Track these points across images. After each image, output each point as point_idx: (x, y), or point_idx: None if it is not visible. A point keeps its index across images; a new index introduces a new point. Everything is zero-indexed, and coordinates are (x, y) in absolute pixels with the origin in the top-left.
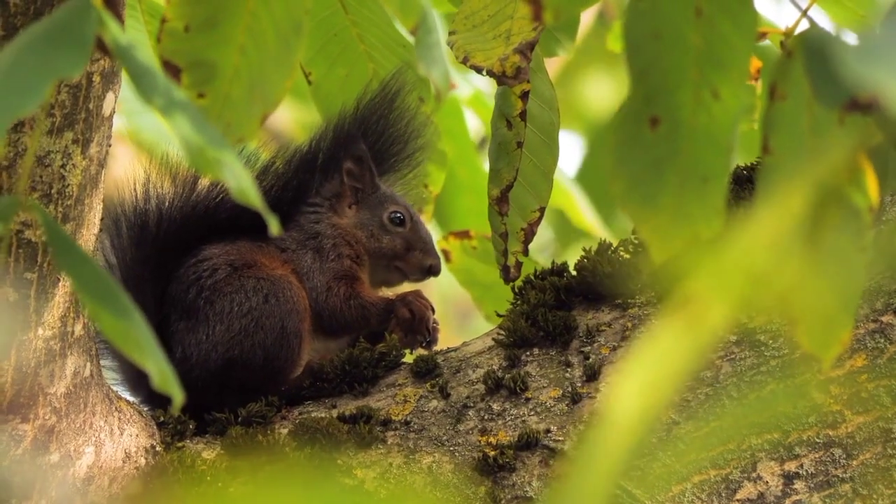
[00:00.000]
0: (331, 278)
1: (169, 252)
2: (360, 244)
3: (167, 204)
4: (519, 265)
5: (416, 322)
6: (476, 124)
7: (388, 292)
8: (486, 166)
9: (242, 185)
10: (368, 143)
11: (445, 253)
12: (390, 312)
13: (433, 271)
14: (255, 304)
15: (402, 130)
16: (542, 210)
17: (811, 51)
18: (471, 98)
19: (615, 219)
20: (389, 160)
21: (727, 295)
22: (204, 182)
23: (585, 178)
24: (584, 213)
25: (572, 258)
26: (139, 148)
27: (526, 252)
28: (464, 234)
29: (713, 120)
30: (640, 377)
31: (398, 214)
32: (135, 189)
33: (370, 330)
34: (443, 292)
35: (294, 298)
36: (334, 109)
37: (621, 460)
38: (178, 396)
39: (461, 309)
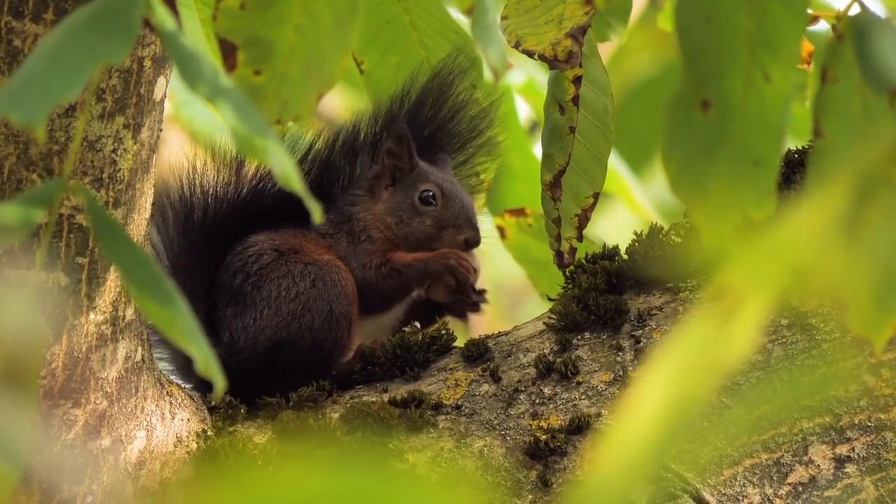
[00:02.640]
0: (364, 255)
1: (215, 240)
2: (390, 229)
3: (212, 192)
4: (573, 251)
5: (460, 283)
6: (526, 111)
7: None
8: (538, 153)
9: (287, 171)
10: (425, 129)
11: (501, 230)
12: (428, 273)
13: (470, 244)
14: (302, 288)
15: (460, 115)
16: (596, 196)
17: (861, 35)
18: (523, 85)
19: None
20: (448, 145)
21: (766, 286)
22: (248, 170)
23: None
24: (638, 198)
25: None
26: (193, 139)
27: (580, 238)
28: (519, 212)
29: (764, 103)
30: (674, 367)
31: (429, 193)
32: (180, 178)
33: (415, 293)
34: (495, 278)
35: (342, 282)
36: (386, 98)
37: (654, 449)
38: (219, 382)
39: (513, 295)
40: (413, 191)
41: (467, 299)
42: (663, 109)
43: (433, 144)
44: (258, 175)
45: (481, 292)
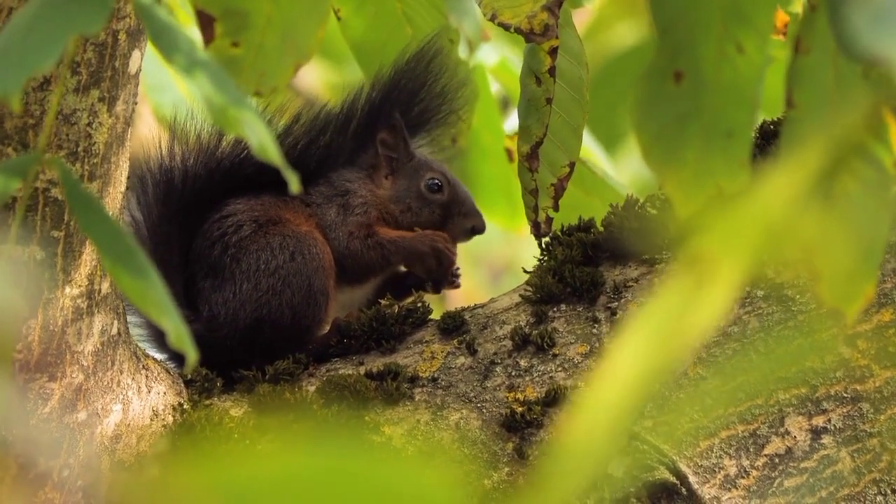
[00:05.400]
0: (353, 225)
1: (195, 208)
2: (392, 216)
3: (192, 160)
4: (549, 221)
5: (442, 266)
6: (496, 88)
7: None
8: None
9: (263, 142)
10: (405, 105)
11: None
12: (414, 253)
13: (476, 231)
14: (281, 262)
15: (440, 91)
16: (572, 165)
17: (834, 4)
18: (496, 65)
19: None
20: (427, 122)
21: (739, 252)
22: (228, 138)
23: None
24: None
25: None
26: (160, 123)
27: (556, 207)
28: None
29: (737, 74)
30: (647, 333)
31: (436, 181)
32: (160, 146)
33: (393, 270)
34: (475, 252)
35: (320, 255)
36: (364, 47)
37: (625, 415)
38: (192, 355)
39: (493, 269)
40: (417, 179)
41: (445, 280)
42: (636, 81)
43: (418, 120)
44: (238, 142)
45: (457, 271)
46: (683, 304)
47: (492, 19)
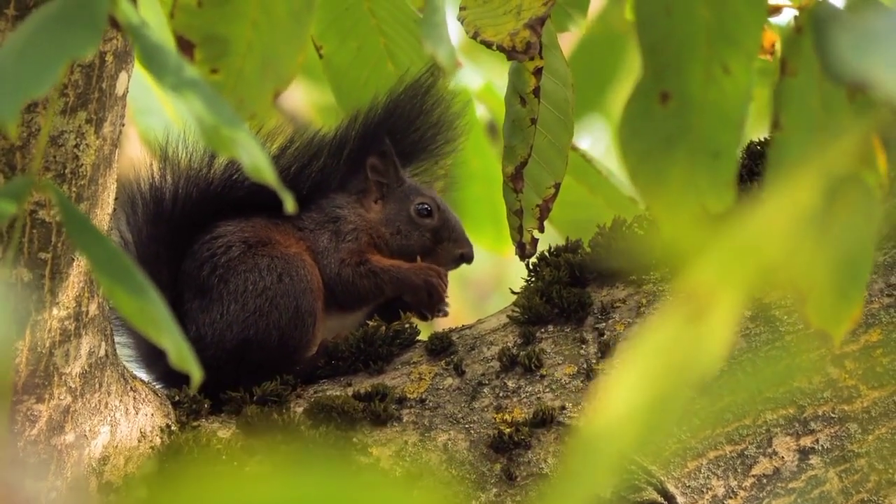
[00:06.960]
0: (345, 252)
1: (184, 229)
2: (383, 239)
3: (183, 181)
4: (535, 242)
5: (433, 301)
6: (481, 112)
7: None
8: (496, 154)
9: (257, 162)
10: (401, 133)
11: None
12: (406, 283)
13: (465, 259)
14: (269, 283)
15: (436, 121)
16: (557, 186)
17: (820, 26)
18: (481, 89)
19: None
20: (421, 151)
21: (735, 285)
22: (220, 159)
23: None
24: None
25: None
26: (148, 148)
27: (542, 229)
28: None
29: (723, 95)
30: (642, 369)
31: (425, 206)
32: (151, 166)
33: (385, 299)
34: (463, 273)
35: (308, 277)
36: (346, 83)
37: (625, 448)
38: (196, 374)
39: (480, 290)
40: (407, 203)
41: (433, 311)
42: (623, 102)
43: (414, 150)
44: (231, 163)
45: (446, 303)
46: (681, 338)
47: (474, 37)
